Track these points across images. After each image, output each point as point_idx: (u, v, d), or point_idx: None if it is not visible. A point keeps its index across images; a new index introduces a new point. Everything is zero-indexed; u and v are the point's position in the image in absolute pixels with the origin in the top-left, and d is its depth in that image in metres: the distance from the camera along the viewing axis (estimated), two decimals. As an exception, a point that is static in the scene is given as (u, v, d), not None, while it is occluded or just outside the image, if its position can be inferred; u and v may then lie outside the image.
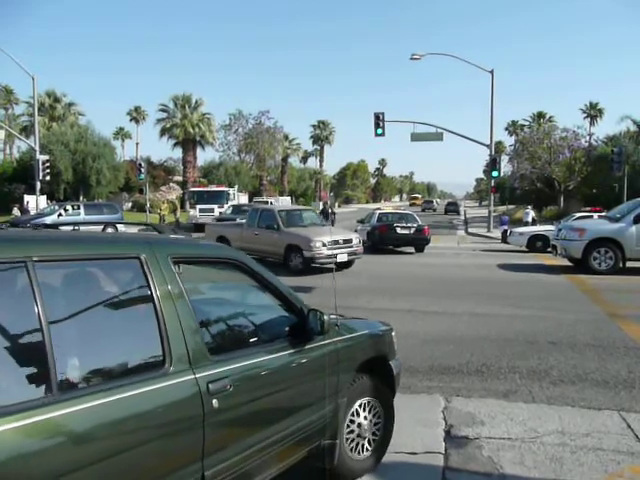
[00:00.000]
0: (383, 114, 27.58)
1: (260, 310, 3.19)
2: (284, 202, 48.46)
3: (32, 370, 1.90)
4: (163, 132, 52.39)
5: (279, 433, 2.80)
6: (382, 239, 18.53)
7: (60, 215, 23.91)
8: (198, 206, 31.52)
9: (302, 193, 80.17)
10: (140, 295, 2.38)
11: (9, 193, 36.51)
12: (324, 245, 12.95)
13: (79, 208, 24.95)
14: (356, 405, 3.48)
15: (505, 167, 43.20)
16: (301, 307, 3.15)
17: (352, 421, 3.45)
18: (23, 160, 40.70)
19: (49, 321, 1.93)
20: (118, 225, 25.22)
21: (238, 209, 28.19)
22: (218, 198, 31.73)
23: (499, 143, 57.05)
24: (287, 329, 3.09)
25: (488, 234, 28.33)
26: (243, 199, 38.17)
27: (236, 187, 36.51)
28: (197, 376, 2.37)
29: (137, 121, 79.06)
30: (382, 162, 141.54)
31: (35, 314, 1.91)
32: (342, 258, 13.30)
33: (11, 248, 2.02)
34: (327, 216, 20.76)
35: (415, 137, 29.87)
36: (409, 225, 18.58)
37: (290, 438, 2.88)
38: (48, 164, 30.14)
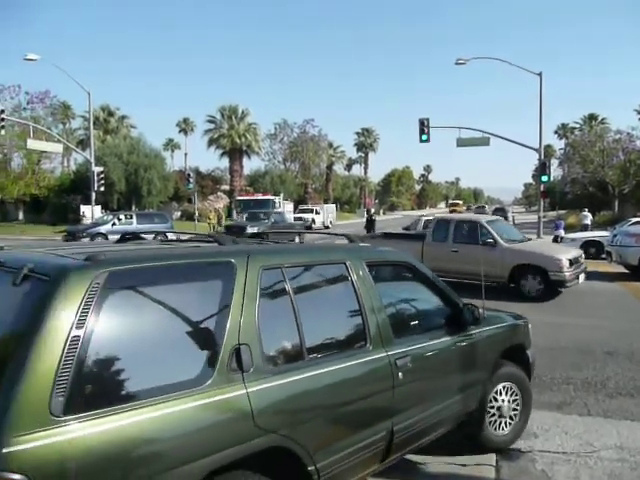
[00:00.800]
0: (428, 120, 27.35)
1: (425, 303, 3.88)
2: (329, 210, 48.66)
3: (293, 343, 2.72)
4: (211, 142, 53.71)
5: (444, 402, 3.53)
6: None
7: (114, 224, 24.82)
8: (245, 214, 32.08)
9: (347, 200, 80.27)
10: (347, 291, 3.14)
11: (67, 204, 38.19)
12: (571, 264, 10.83)
13: (131, 217, 25.82)
14: (499, 387, 4.07)
15: (555, 171, 42.13)
16: (457, 301, 3.84)
17: (495, 399, 4.05)
18: (79, 172, 42.50)
19: (298, 311, 2.74)
20: (169, 234, 26.08)
21: (254, 215, 28.73)
22: (264, 206, 32.24)
23: (548, 147, 55.49)
24: (446, 320, 3.80)
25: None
26: (288, 207, 38.55)
27: (281, 195, 36.99)
28: (388, 353, 3.12)
29: (186, 132, 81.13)
30: (427, 168, 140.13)
31: (289, 305, 2.74)
32: (582, 279, 11.30)
33: (271, 258, 2.87)
34: (371, 223, 20.69)
35: (461, 142, 29.45)
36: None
37: (451, 406, 3.62)
38: (103, 175, 31.37)
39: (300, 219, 41.89)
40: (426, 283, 3.83)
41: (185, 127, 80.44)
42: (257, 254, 2.81)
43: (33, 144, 31.14)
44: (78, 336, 1.99)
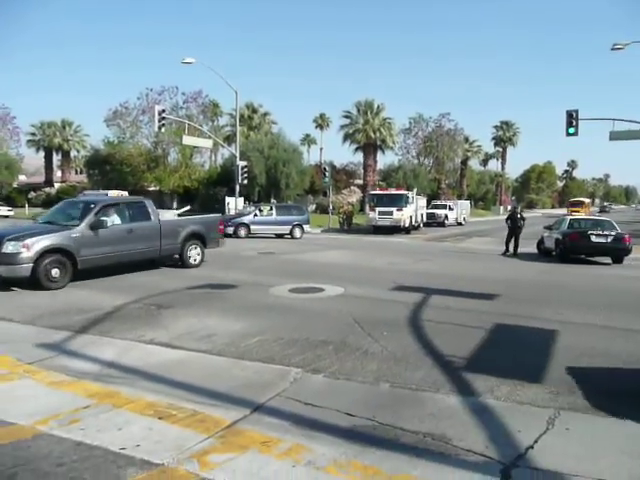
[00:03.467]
0: (577, 112, 25.52)
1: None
2: (463, 206, 47.37)
3: None
4: (346, 137, 54.78)
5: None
6: (574, 248, 17.22)
7: (255, 215, 26.51)
8: (377, 209, 32.36)
9: (482, 197, 77.37)
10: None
11: (214, 195, 41.44)
12: None
13: (272, 209, 27.34)
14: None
15: None
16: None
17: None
18: (225, 166, 45.82)
19: None
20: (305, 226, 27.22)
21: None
22: (397, 201, 32.18)
23: None
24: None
25: None
26: (421, 202, 38.15)
27: (415, 190, 36.59)
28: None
29: (321, 127, 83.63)
30: (572, 164, 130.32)
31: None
32: None
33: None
34: (516, 222, 19.66)
35: (615, 135, 27.09)
36: (606, 233, 16.98)
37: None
38: (246, 169, 33.63)
39: (433, 215, 41.36)
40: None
41: (321, 122, 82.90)
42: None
43: (188, 140, 34.24)
44: None
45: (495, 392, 4.85)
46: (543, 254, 18.91)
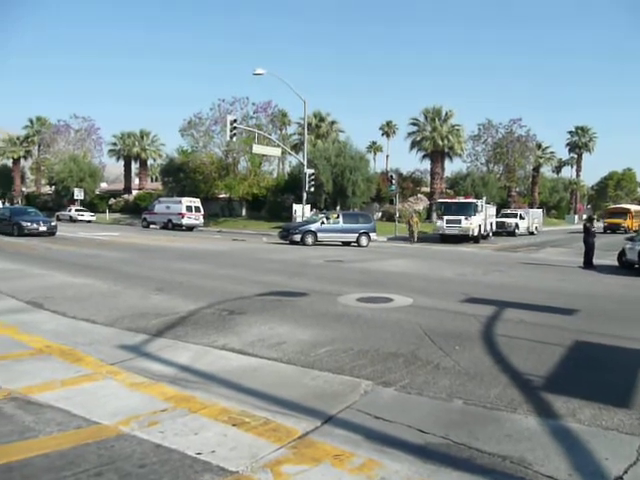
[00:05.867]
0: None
1: None
2: (535, 215, 45.63)
3: None
4: (413, 145, 54.20)
5: None
6: (660, 261, 16.14)
7: (322, 223, 26.68)
8: (445, 217, 31.77)
9: (555, 205, 74.26)
10: None
11: (281, 202, 42.18)
12: None
13: (338, 217, 27.43)
14: None
15: None
16: None
17: None
18: (293, 174, 46.53)
19: None
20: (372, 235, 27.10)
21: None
22: (466, 210, 31.47)
23: None
24: None
25: None
26: (491, 211, 37.09)
27: (484, 198, 35.63)
28: None
29: (388, 135, 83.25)
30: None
31: None
32: None
33: None
34: (588, 231, 18.74)
35: None
36: (697, 245, 15.83)
37: None
38: (313, 177, 33.98)
39: (502, 224, 40.08)
40: None
41: (388, 130, 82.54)
42: None
43: (257, 149, 35.10)
44: None
45: (577, 415, 4.60)
46: (625, 267, 17.84)
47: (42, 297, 9.58)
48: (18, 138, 73.44)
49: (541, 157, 64.49)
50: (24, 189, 74.05)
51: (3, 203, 59.28)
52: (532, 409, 4.73)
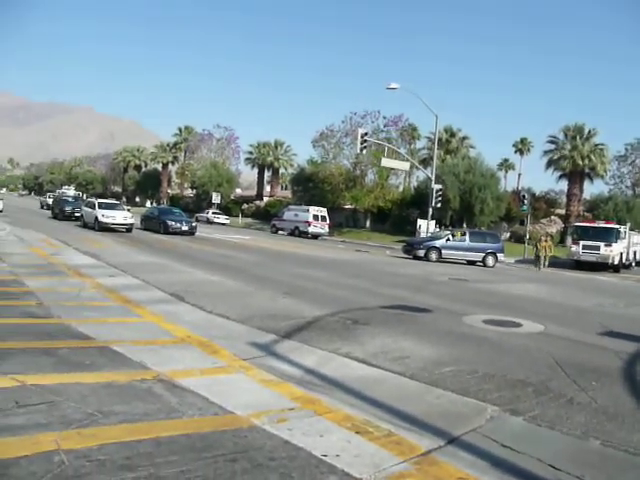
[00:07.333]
0: None
1: None
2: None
3: None
4: (549, 163, 51.03)
5: None
6: None
7: (448, 240, 26.09)
8: (582, 242, 29.49)
9: None
10: None
11: (406, 216, 41.95)
12: None
13: (465, 235, 26.65)
14: None
15: None
16: None
17: None
18: (419, 188, 46.09)
19: None
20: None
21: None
22: (606, 235, 28.96)
23: None
24: None
25: None
26: (636, 239, 33.72)
27: (628, 224, 32.54)
28: None
29: (522, 152, 79.20)
30: None
31: None
32: None
33: None
34: None
35: None
36: None
37: None
38: (440, 192, 33.38)
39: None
40: None
41: (521, 147, 78.55)
42: None
43: (386, 162, 35.27)
44: None
45: None
46: None
47: (183, 291, 10.46)
48: (168, 145, 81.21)
49: (701, 181, 57.47)
50: (169, 191, 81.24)
51: (151, 203, 65.65)
52: (683, 461, 4.27)
